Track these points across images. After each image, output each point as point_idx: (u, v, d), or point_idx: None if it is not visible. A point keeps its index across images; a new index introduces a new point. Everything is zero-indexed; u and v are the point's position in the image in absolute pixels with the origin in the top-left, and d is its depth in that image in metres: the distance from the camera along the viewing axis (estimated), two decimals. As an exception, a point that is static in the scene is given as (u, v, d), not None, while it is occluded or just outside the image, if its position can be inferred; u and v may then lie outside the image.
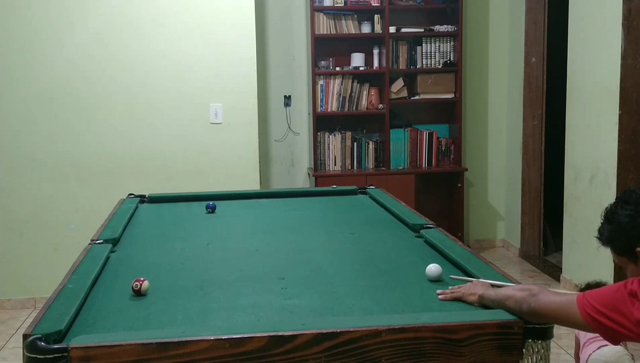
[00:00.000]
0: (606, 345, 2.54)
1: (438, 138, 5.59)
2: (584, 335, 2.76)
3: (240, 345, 1.58)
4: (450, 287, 1.98)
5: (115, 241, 2.63)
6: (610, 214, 1.87)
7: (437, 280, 2.09)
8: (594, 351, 2.65)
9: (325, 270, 2.29)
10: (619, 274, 4.27)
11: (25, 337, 1.61)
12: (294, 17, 5.60)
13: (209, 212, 3.25)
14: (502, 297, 1.80)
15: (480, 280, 1.99)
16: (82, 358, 1.55)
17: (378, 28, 5.38)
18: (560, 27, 4.93)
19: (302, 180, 5.74)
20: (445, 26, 5.47)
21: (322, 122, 5.51)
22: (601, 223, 1.90)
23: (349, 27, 5.39)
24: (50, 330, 1.63)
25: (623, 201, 1.85)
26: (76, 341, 1.60)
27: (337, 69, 5.45)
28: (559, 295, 1.78)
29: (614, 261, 1.94)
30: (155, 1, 4.62)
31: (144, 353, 1.56)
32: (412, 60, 5.50)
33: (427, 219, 2.87)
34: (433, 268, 2.10)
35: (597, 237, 1.94)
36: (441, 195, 5.74)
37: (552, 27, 5.35)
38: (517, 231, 5.72)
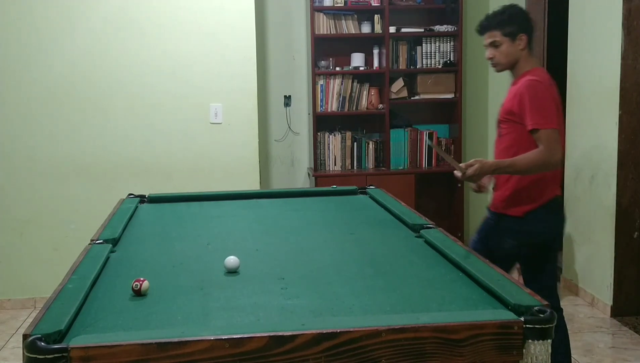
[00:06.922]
0: None
1: (438, 137, 5.59)
2: None
3: (240, 345, 1.58)
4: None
5: (115, 241, 2.63)
6: (510, 9, 2.96)
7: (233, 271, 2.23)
8: None
9: (325, 270, 2.28)
10: (619, 273, 4.28)
11: (25, 337, 1.60)
12: (294, 17, 5.60)
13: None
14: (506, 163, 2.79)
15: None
16: (82, 358, 1.55)
17: (378, 28, 5.38)
18: (560, 27, 4.93)
19: (302, 180, 5.74)
20: (445, 26, 5.47)
21: (322, 122, 5.51)
22: (498, 14, 2.94)
23: (349, 27, 5.40)
24: (50, 330, 1.63)
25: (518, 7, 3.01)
26: (76, 341, 1.59)
27: (337, 69, 5.45)
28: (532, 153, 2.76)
29: (490, 43, 2.94)
30: (156, 1, 4.62)
31: (144, 353, 1.56)
32: (412, 60, 5.51)
33: (427, 219, 2.87)
34: (232, 261, 2.24)
35: (486, 23, 2.94)
36: (441, 195, 5.74)
37: (552, 27, 5.35)
38: (517, 231, 5.71)
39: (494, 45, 2.94)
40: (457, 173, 2.79)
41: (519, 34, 2.91)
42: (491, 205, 3.11)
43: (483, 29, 2.97)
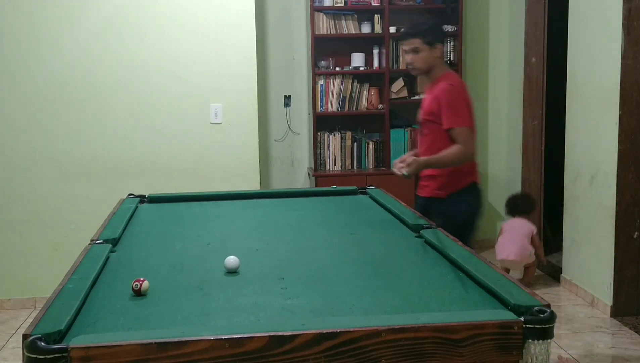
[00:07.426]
0: None
1: (438, 138, 5.58)
2: None
3: (240, 345, 1.58)
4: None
5: (115, 241, 2.63)
6: (430, 21, 3.43)
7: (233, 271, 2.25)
8: None
9: (325, 270, 2.29)
10: (619, 273, 4.28)
11: (25, 337, 1.60)
12: (294, 17, 5.60)
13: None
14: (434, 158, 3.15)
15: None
16: (82, 358, 1.55)
17: (378, 28, 5.38)
18: (560, 27, 4.92)
19: (302, 180, 5.74)
20: (445, 26, 5.46)
21: (322, 122, 5.51)
22: (421, 24, 3.30)
23: (349, 27, 5.40)
24: (50, 330, 1.63)
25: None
26: (76, 341, 1.59)
27: (337, 69, 5.45)
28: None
29: (411, 49, 3.27)
30: (156, 1, 4.62)
31: (144, 353, 1.56)
32: (412, 60, 5.50)
33: (427, 219, 2.88)
34: (232, 261, 2.25)
35: (410, 31, 3.30)
36: (441, 195, 5.72)
37: (552, 27, 5.35)
38: (517, 231, 5.71)
39: (415, 51, 3.27)
40: (398, 171, 3.06)
41: (436, 43, 3.28)
42: (419, 192, 3.48)
43: (406, 36, 3.32)
